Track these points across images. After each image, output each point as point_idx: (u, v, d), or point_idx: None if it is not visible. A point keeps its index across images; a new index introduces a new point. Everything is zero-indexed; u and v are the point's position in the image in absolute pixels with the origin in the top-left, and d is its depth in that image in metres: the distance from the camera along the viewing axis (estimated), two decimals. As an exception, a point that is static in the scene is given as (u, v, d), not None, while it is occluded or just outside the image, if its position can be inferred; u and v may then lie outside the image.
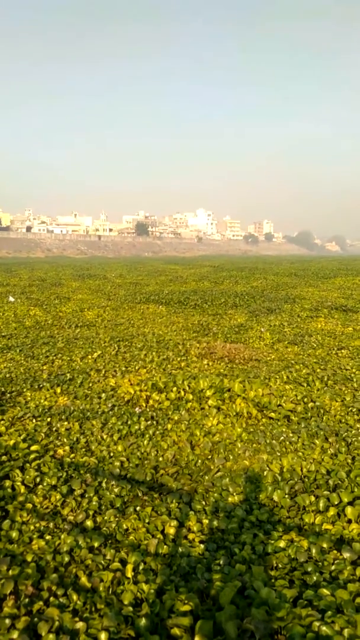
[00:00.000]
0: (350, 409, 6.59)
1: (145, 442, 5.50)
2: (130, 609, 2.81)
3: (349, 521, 3.86)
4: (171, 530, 3.71)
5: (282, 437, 5.67)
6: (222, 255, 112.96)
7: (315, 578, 3.14)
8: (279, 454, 5.22)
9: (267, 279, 26.92)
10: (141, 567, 3.23)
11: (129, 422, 6.02)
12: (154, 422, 6.06)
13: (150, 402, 6.76)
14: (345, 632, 2.50)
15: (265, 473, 4.77)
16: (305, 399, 6.94)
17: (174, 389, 6.96)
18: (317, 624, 2.54)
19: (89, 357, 9.47)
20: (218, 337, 11.65)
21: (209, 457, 5.21)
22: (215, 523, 3.87)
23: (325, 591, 2.92)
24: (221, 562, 3.34)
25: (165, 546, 3.50)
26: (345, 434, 5.72)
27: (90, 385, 7.65)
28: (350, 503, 4.07)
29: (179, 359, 9.29)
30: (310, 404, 6.74)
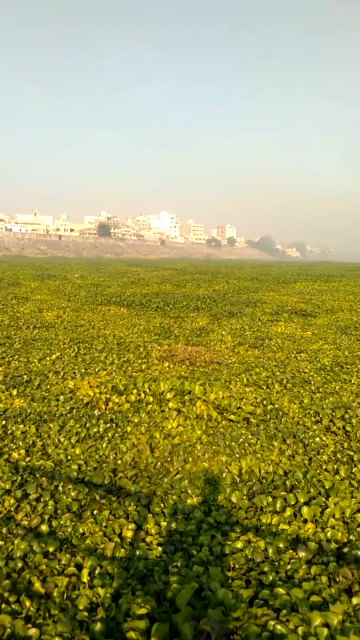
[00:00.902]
0: (307, 411, 6.71)
1: (104, 444, 5.44)
2: (86, 613, 2.75)
3: (305, 521, 3.93)
4: (129, 534, 3.67)
5: (241, 439, 5.72)
6: (185, 259, 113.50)
7: (271, 578, 3.17)
8: (238, 456, 5.26)
9: (229, 282, 27.22)
10: (97, 571, 3.18)
11: (87, 425, 5.94)
12: (114, 425, 6.00)
13: (110, 404, 6.68)
14: (300, 630, 2.53)
15: (224, 475, 4.80)
16: (265, 402, 7.03)
17: (134, 391, 6.91)
18: (272, 623, 2.56)
19: (48, 358, 9.29)
20: (179, 340, 11.67)
21: (169, 459, 5.20)
22: (173, 525, 3.86)
23: (281, 590, 2.95)
24: (179, 564, 3.33)
25: (122, 549, 3.46)
26: (303, 435, 5.83)
27: (48, 387, 7.49)
28: (307, 503, 4.14)
29: (139, 361, 9.24)
30: (270, 407, 6.84)
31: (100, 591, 2.93)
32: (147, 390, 6.94)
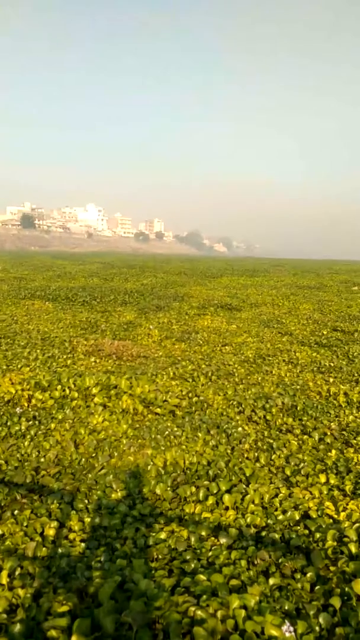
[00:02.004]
0: (231, 402, 6.92)
1: (26, 443, 5.28)
2: (5, 616, 2.68)
3: (226, 508, 4.06)
4: (51, 532, 3.60)
5: (166, 432, 5.78)
6: (113, 252, 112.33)
7: (193, 565, 3.25)
8: (163, 448, 5.32)
9: (157, 276, 27.32)
10: (17, 572, 3.10)
11: (8, 423, 5.74)
12: (36, 422, 5.85)
13: (33, 401, 6.50)
14: (219, 613, 2.62)
15: (149, 467, 4.84)
16: (190, 394, 7.16)
17: (59, 387, 6.77)
18: (192, 609, 2.63)
19: (-33, 355, 8.86)
20: (106, 334, 11.56)
21: (94, 455, 5.15)
22: (97, 520, 3.84)
23: (202, 577, 3.03)
24: (102, 558, 3.32)
25: (44, 548, 3.39)
26: (226, 426, 6.00)
27: (-33, 385, 7.15)
28: (228, 491, 4.28)
29: (65, 356, 9.06)
30: (195, 399, 6.97)
31: (20, 592, 2.86)
32: (72, 386, 6.83)
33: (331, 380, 8.17)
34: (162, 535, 3.62)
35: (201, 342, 11.21)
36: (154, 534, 3.65)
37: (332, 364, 9.26)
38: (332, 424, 6.16)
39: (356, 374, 8.50)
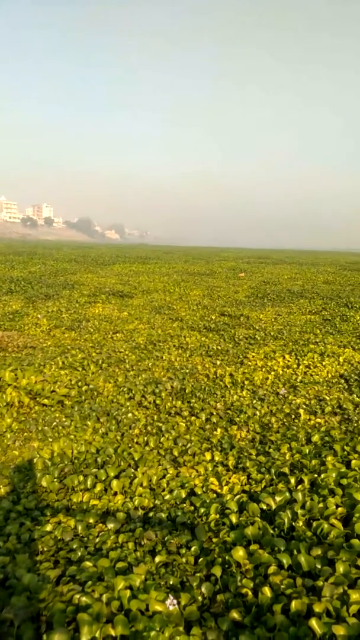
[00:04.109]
0: (121, 389, 6.94)
1: None
2: None
3: (115, 493, 4.08)
4: None
5: (54, 423, 5.66)
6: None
7: (80, 553, 3.23)
8: (50, 440, 5.20)
9: (46, 264, 26.36)
10: None
11: None
12: None
13: None
14: (104, 597, 2.63)
15: (35, 460, 4.70)
16: (80, 383, 7.05)
17: None
18: (77, 596, 2.61)
19: None
20: (-10, 325, 10.94)
21: (-26, 452, 4.89)
22: (-23, 520, 3.66)
23: (88, 563, 3.02)
24: (-18, 559, 3.17)
25: None
26: (116, 412, 6.01)
27: None
28: (117, 477, 4.30)
29: None
30: (85, 387, 6.88)
31: None
32: None
33: (218, 362, 8.53)
34: (48, 528, 3.55)
35: (92, 330, 11.07)
36: (39, 527, 3.56)
37: (219, 347, 9.66)
38: (218, 404, 6.44)
39: (241, 356, 8.96)
